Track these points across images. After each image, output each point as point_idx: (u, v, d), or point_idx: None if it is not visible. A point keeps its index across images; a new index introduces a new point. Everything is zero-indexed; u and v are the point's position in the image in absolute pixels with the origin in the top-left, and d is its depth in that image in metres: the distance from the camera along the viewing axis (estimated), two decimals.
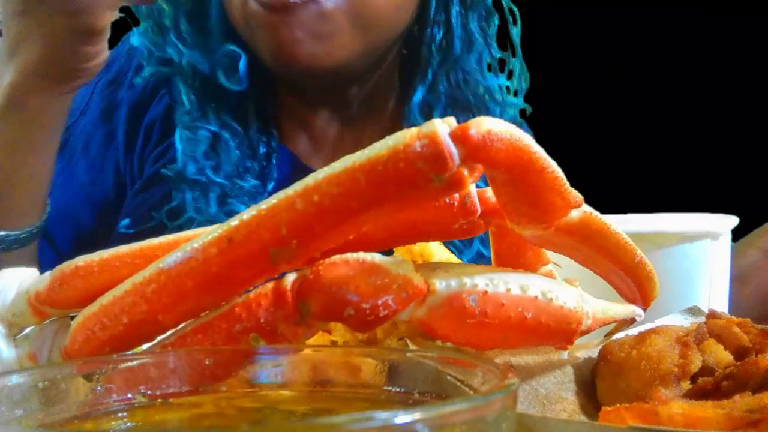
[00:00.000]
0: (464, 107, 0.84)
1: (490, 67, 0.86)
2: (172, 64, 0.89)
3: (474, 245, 0.93)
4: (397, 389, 0.33)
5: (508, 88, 0.86)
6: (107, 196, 0.93)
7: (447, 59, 0.82)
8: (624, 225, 0.43)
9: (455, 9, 0.81)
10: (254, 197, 0.84)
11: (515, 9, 0.82)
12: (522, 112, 0.89)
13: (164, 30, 0.86)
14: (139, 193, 0.90)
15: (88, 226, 0.92)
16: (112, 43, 0.81)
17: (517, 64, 0.85)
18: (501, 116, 0.86)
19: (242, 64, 0.82)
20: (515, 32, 0.83)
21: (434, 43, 0.81)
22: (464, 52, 0.82)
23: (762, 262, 0.75)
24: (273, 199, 0.34)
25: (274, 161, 0.87)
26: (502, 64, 0.86)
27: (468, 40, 0.82)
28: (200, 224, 0.82)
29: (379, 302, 0.34)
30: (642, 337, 0.42)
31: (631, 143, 1.72)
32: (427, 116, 0.82)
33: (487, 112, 0.84)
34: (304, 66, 0.80)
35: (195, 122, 0.85)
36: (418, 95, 0.83)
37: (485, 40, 0.84)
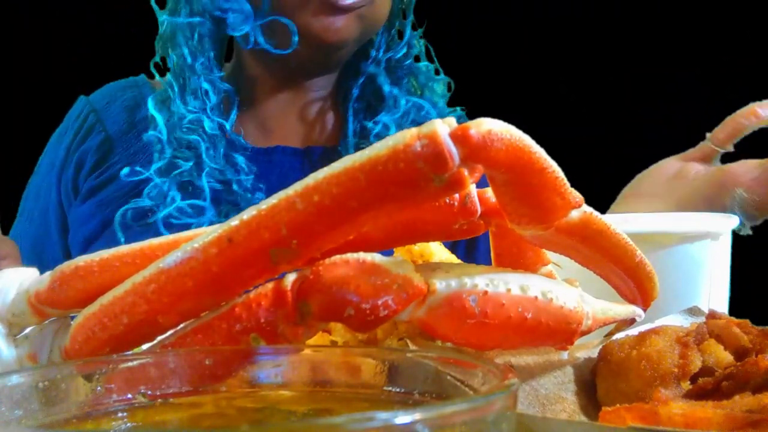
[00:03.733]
0: (398, 80, 1.02)
1: (418, 58, 1.06)
2: (208, 19, 0.91)
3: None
4: (397, 389, 0.33)
5: (437, 70, 1.06)
6: (52, 236, 0.99)
7: (389, 54, 1.01)
8: (624, 225, 0.43)
9: (405, 34, 1.02)
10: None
11: (430, 46, 1.06)
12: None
13: None
14: (80, 204, 0.95)
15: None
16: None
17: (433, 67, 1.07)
18: (426, 83, 1.04)
19: (294, 37, 0.89)
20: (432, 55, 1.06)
21: (381, 49, 1.01)
22: (405, 49, 1.02)
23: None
24: (273, 199, 0.34)
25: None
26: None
27: (409, 46, 1.03)
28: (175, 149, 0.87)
29: (379, 302, 0.34)
30: (642, 337, 0.42)
31: (631, 143, 1.72)
32: (372, 80, 1.01)
33: (414, 77, 1.04)
34: (341, 45, 0.91)
35: (211, 76, 0.89)
36: (367, 66, 1.00)
37: (417, 46, 1.05)
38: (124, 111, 0.97)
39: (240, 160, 0.90)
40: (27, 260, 0.97)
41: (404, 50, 1.02)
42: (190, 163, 0.87)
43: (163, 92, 0.91)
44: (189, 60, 0.89)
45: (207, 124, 0.87)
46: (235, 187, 0.88)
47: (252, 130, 0.98)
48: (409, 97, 1.00)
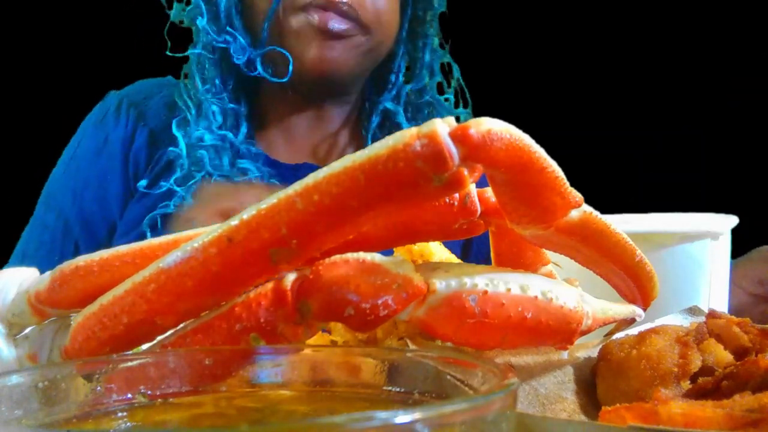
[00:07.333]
0: (418, 109, 1.09)
1: (440, 87, 1.13)
2: (212, 50, 1.01)
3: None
4: (397, 389, 0.33)
5: (448, 99, 1.13)
6: (113, 220, 1.02)
7: (410, 81, 1.08)
8: (624, 225, 0.43)
9: (428, 56, 1.09)
10: (257, 159, 0.99)
11: (454, 63, 1.12)
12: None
13: (220, 21, 1.00)
14: (140, 198, 1.00)
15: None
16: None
17: (453, 91, 1.13)
18: (440, 114, 1.09)
19: (290, 65, 0.97)
20: (456, 72, 1.12)
21: (401, 72, 1.08)
22: (427, 78, 1.09)
23: (750, 305, 0.80)
24: (273, 199, 0.34)
25: (249, 159, 1.01)
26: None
27: (431, 71, 1.10)
28: (216, 180, 0.95)
29: (379, 302, 0.34)
30: (642, 337, 0.42)
31: (631, 143, 1.72)
32: (390, 116, 1.07)
33: (435, 111, 1.10)
34: (337, 75, 0.98)
35: (218, 98, 1.00)
36: (386, 100, 1.08)
37: (439, 72, 1.11)
38: (164, 107, 1.04)
39: (246, 163, 0.98)
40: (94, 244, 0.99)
41: (425, 79, 1.07)
42: (202, 173, 0.96)
43: (183, 113, 1.00)
44: (200, 86, 1.00)
45: (208, 138, 0.97)
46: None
47: (282, 148, 1.07)
48: None
